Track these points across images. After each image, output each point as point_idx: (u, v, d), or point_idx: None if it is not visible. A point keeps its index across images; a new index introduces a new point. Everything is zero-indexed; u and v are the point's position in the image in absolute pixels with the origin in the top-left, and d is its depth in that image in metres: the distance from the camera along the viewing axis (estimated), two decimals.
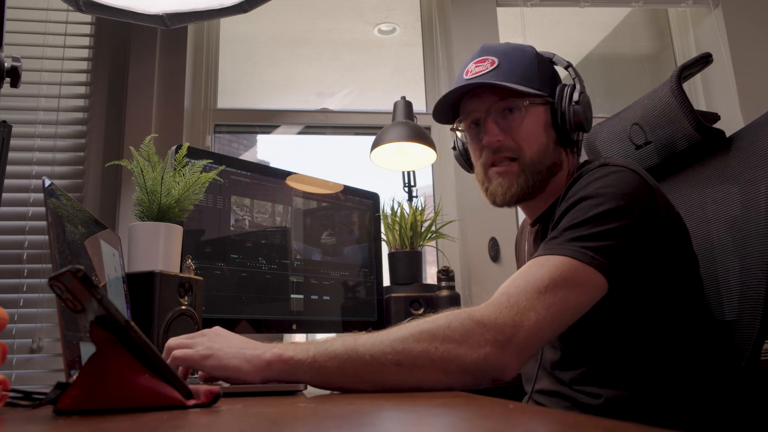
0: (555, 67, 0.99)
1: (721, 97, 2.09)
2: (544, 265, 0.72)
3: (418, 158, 1.81)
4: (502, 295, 0.70)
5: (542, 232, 0.95)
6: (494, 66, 0.93)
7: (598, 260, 0.72)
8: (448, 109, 0.98)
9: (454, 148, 1.07)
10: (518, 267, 1.09)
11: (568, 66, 0.97)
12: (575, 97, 0.92)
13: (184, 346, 0.69)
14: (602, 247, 0.73)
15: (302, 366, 0.64)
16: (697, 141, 0.98)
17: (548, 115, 0.93)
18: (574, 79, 0.95)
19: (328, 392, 0.67)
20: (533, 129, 0.91)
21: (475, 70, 0.94)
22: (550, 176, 0.93)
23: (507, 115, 0.92)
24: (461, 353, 0.64)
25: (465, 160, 1.05)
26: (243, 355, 0.65)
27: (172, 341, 0.71)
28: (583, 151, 1.02)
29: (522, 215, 1.17)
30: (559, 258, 0.72)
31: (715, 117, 1.03)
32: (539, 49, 0.98)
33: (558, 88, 0.93)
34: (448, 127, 1.02)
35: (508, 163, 0.92)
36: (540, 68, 0.95)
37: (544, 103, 0.93)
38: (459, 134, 1.02)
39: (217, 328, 0.73)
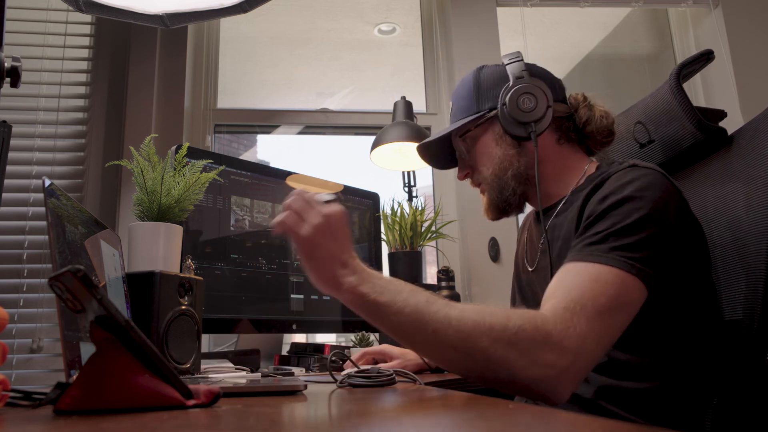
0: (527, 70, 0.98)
1: (721, 98, 2.09)
2: (599, 280, 0.71)
3: (418, 158, 1.80)
4: (566, 310, 0.68)
5: (557, 227, 0.93)
6: (450, 111, 1.05)
7: (644, 272, 0.72)
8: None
9: None
10: (518, 250, 1.11)
11: (507, 63, 0.98)
12: (506, 98, 0.94)
13: (299, 217, 0.71)
14: (647, 258, 0.73)
15: (367, 304, 0.69)
16: (700, 139, 0.98)
17: (495, 126, 0.97)
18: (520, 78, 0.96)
19: (327, 392, 0.67)
20: (482, 149, 1.00)
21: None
22: (532, 178, 0.95)
23: (464, 150, 1.03)
24: (520, 365, 0.64)
25: None
26: (326, 268, 0.71)
27: (294, 202, 0.72)
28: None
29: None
30: (612, 271, 0.71)
31: (722, 114, 1.02)
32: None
33: (500, 96, 0.96)
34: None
35: (479, 187, 1.04)
36: (480, 89, 0.99)
37: (484, 120, 0.98)
38: None
39: (334, 219, 0.72)
